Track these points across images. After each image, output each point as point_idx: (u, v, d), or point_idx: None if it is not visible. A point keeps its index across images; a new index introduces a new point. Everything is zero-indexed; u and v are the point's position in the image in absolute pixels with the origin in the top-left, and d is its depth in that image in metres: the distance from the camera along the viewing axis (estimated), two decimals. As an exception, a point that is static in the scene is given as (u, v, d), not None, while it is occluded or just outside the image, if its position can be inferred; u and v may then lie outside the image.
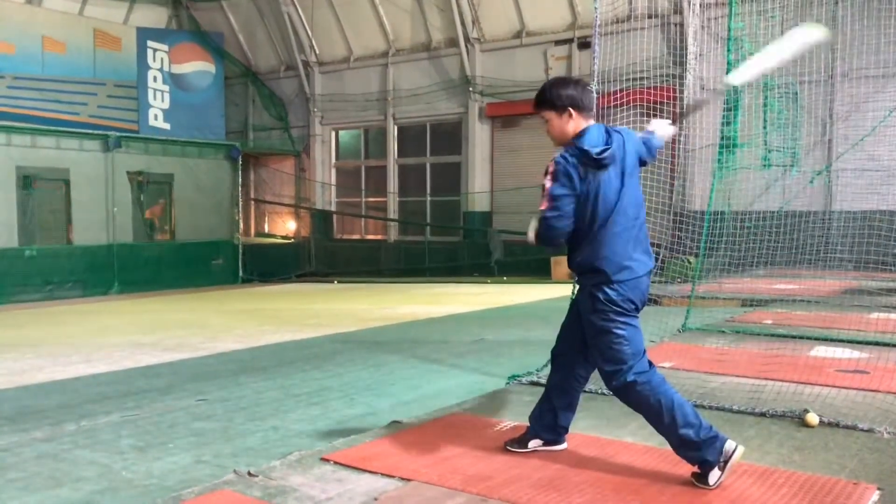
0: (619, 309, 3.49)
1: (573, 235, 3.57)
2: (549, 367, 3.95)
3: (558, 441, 3.92)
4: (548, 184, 3.49)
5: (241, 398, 5.97)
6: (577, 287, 3.73)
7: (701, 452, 3.37)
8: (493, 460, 3.81)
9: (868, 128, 11.06)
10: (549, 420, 3.87)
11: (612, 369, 3.50)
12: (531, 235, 3.61)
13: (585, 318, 3.59)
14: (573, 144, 3.52)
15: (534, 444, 3.90)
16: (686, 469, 3.49)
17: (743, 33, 8.07)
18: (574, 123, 3.56)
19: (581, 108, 3.56)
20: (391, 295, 14.82)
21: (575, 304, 3.81)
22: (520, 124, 18.78)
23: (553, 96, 3.57)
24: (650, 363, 3.53)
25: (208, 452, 4.56)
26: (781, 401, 4.74)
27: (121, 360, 7.90)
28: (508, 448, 3.93)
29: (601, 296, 3.50)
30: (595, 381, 5.29)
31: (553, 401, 3.86)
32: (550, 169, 3.49)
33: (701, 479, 3.40)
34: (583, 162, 3.45)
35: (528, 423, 3.97)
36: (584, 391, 5.19)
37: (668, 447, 3.53)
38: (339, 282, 19.15)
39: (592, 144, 3.47)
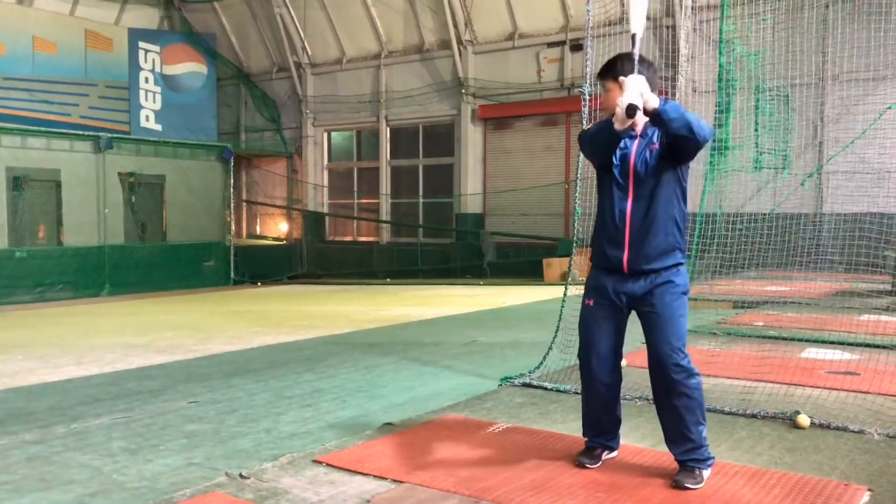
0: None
1: (663, 208, 3.45)
2: (595, 375, 3.62)
3: (615, 448, 3.84)
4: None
5: (233, 400, 5.95)
6: (643, 277, 3.48)
7: (705, 449, 3.47)
8: (485, 462, 3.81)
9: (858, 130, 11.13)
10: (614, 427, 3.76)
11: (683, 348, 3.45)
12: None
13: (664, 302, 3.44)
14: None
15: (606, 455, 3.79)
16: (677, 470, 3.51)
17: (734, 36, 8.11)
18: None
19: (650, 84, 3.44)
20: (383, 297, 14.80)
21: (613, 298, 3.55)
22: (512, 126, 18.81)
23: (621, 69, 3.47)
24: None
25: (200, 454, 4.54)
26: (773, 402, 4.76)
27: (112, 361, 7.87)
28: (580, 461, 3.72)
29: (680, 280, 3.50)
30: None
31: (617, 404, 3.72)
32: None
33: (690, 478, 3.41)
34: None
35: (526, 426, 3.92)
36: (577, 393, 5.22)
37: (661, 449, 3.54)
38: (333, 283, 19.12)
39: None
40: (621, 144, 3.50)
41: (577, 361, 3.75)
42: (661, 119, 3.31)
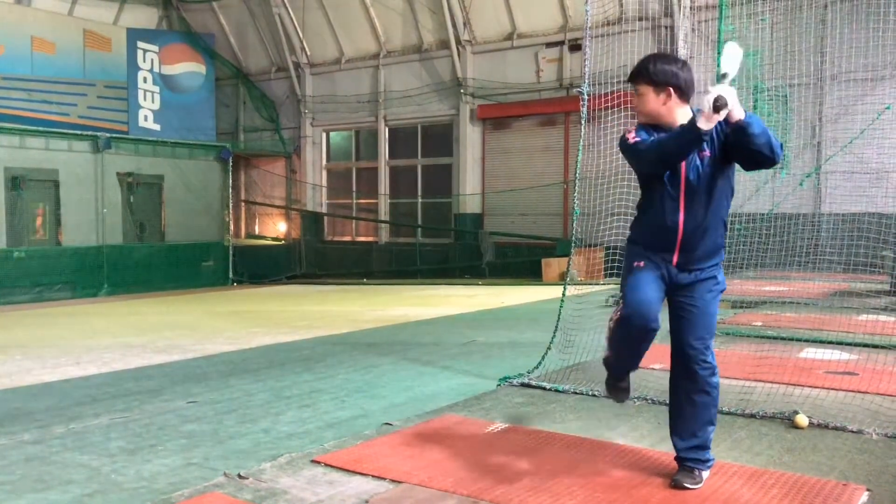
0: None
1: (714, 213, 3.38)
2: (647, 319, 3.40)
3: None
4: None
5: (232, 400, 5.95)
6: (702, 269, 3.42)
7: (708, 451, 3.47)
8: (484, 462, 3.81)
9: (857, 131, 11.13)
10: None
11: (711, 345, 3.44)
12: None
13: (704, 298, 3.40)
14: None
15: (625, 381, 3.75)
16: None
17: (733, 36, 8.11)
18: (672, 105, 3.35)
19: (684, 94, 3.36)
20: (382, 297, 14.80)
21: (662, 269, 3.43)
22: (511, 126, 18.81)
23: (656, 71, 3.34)
24: None
25: (198, 455, 4.54)
26: (771, 402, 4.76)
27: (110, 361, 7.86)
28: (611, 393, 3.72)
29: (721, 276, 3.47)
30: (586, 383, 5.32)
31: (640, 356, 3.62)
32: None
33: (689, 478, 3.41)
34: None
35: (528, 426, 3.90)
36: (576, 393, 5.22)
37: (659, 448, 3.54)
38: (336, 283, 19.12)
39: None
40: None
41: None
42: (745, 132, 3.13)
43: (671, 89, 3.32)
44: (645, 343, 3.45)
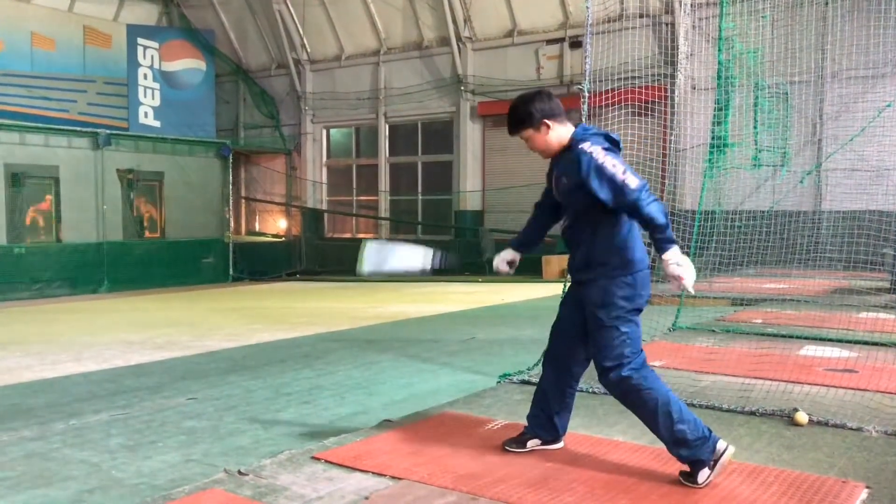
0: (631, 305, 3.46)
1: (590, 222, 3.51)
2: (543, 367, 3.90)
3: (556, 440, 3.91)
4: (605, 162, 3.34)
5: (232, 397, 5.96)
6: (581, 281, 3.61)
7: (694, 451, 3.38)
8: (483, 459, 3.81)
9: (857, 128, 11.11)
10: (546, 420, 3.85)
11: (611, 364, 3.46)
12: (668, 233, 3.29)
13: (592, 312, 3.51)
14: (577, 140, 3.51)
15: (532, 443, 3.88)
16: (676, 467, 3.50)
17: (734, 33, 8.11)
18: (556, 133, 3.56)
19: (556, 116, 3.56)
20: (382, 294, 14.80)
21: (571, 299, 3.73)
22: (511, 123, 18.78)
23: (524, 114, 3.56)
24: (644, 360, 3.52)
25: (198, 451, 4.55)
26: (771, 399, 4.76)
27: (111, 358, 7.87)
28: (507, 448, 3.89)
29: (617, 289, 3.45)
30: (585, 380, 5.31)
31: (550, 401, 3.83)
32: (590, 150, 3.38)
33: (690, 477, 3.41)
34: (608, 141, 3.49)
35: (524, 423, 3.96)
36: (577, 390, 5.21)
37: (658, 446, 3.54)
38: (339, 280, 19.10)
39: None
40: None
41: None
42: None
43: (546, 121, 3.53)
44: (549, 376, 3.84)
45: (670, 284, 3.36)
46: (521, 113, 3.58)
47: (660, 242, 3.28)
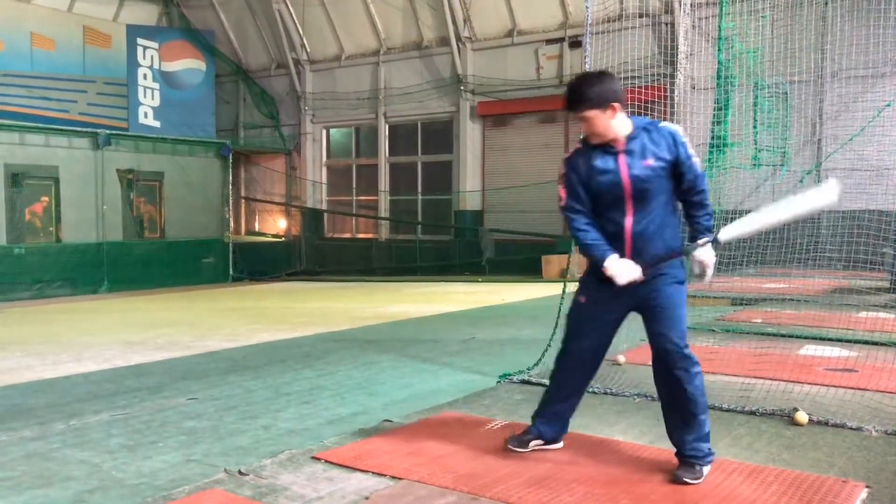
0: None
1: (667, 211, 3.50)
2: (566, 371, 3.76)
3: (557, 440, 3.90)
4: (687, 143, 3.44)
5: (232, 397, 5.96)
6: (659, 273, 3.47)
7: (708, 443, 3.48)
8: (483, 459, 3.81)
9: (857, 127, 11.10)
10: (556, 420, 3.83)
11: (684, 343, 3.48)
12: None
13: (673, 289, 3.48)
14: (650, 123, 3.53)
15: (535, 443, 3.85)
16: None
17: (734, 33, 8.11)
18: (619, 118, 3.45)
19: (622, 102, 3.49)
20: (382, 294, 14.80)
21: (610, 297, 3.51)
22: (511, 123, 18.80)
23: (595, 94, 3.42)
24: None
25: (199, 451, 4.55)
26: (771, 399, 4.76)
27: (111, 358, 7.87)
28: (509, 447, 3.85)
29: (684, 270, 3.54)
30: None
31: (567, 400, 3.79)
32: (678, 129, 3.49)
33: (690, 473, 3.42)
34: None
35: (525, 423, 3.95)
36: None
37: (658, 445, 3.54)
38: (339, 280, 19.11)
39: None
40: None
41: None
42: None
43: (615, 105, 3.42)
44: (573, 375, 3.80)
45: (695, 268, 3.48)
46: (591, 92, 3.40)
47: (707, 227, 3.44)
